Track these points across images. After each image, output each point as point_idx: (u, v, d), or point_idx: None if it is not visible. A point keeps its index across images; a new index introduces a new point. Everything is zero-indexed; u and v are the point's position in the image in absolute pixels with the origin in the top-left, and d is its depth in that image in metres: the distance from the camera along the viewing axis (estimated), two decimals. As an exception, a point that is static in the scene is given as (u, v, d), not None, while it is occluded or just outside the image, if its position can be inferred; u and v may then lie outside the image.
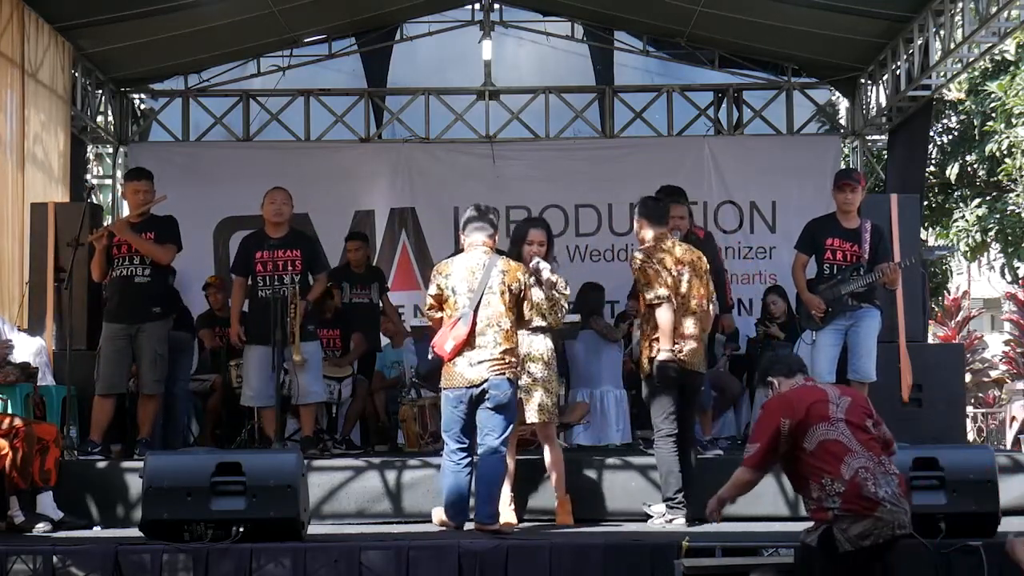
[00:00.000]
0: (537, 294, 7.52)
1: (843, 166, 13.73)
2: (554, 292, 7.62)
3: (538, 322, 7.57)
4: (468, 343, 7.11)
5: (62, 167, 11.30)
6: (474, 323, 7.11)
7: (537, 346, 7.57)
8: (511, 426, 7.22)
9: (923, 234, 12.48)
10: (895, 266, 8.41)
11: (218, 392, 10.13)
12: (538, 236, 7.69)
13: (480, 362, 7.10)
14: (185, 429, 9.87)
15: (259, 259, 8.71)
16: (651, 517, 7.51)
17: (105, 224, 9.83)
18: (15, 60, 10.18)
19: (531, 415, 7.50)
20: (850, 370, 8.44)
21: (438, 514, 7.33)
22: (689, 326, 7.54)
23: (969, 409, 16.19)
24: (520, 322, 7.34)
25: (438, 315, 7.30)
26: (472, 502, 7.21)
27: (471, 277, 7.18)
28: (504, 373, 7.11)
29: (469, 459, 7.20)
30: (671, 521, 7.39)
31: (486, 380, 7.08)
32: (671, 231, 7.98)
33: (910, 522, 5.55)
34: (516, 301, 7.23)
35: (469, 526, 7.17)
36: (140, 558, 6.37)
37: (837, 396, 5.75)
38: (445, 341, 7.14)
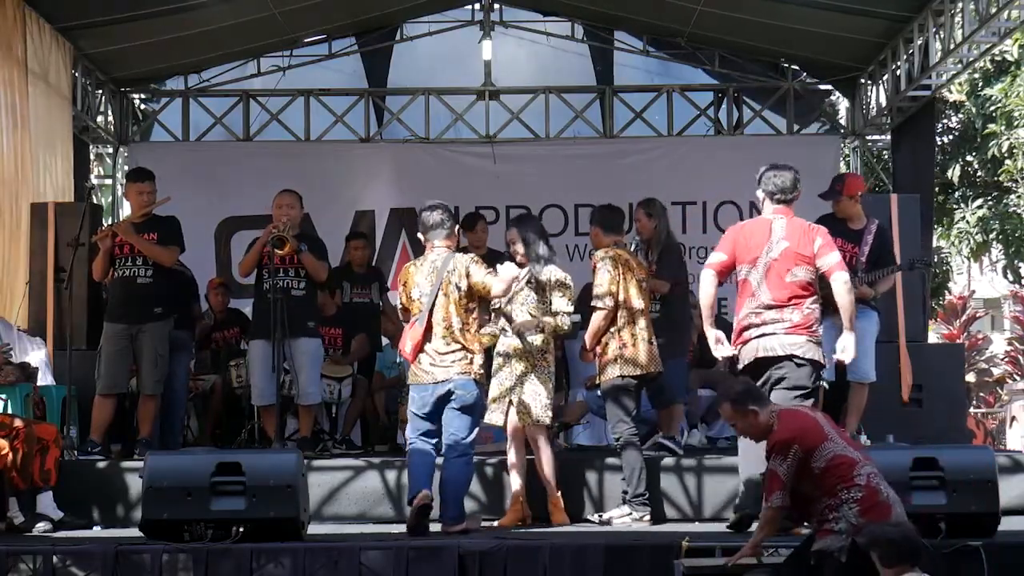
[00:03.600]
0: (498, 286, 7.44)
1: (843, 166, 13.74)
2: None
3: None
4: (426, 341, 7.25)
5: (64, 167, 11.30)
6: (429, 323, 7.25)
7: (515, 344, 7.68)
8: (476, 427, 7.38)
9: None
10: (861, 284, 8.30)
11: (218, 392, 10.13)
12: (508, 236, 7.94)
13: (444, 360, 7.24)
14: (184, 428, 9.87)
15: (266, 255, 8.72)
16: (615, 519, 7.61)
17: (106, 224, 9.84)
18: (17, 60, 10.17)
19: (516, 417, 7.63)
20: (848, 371, 8.42)
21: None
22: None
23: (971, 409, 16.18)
24: (491, 296, 7.42)
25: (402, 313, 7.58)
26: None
27: (427, 279, 7.35)
28: (470, 374, 7.26)
29: (436, 440, 7.35)
30: (641, 518, 7.52)
31: (450, 379, 7.22)
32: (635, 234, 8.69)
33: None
34: (467, 296, 7.31)
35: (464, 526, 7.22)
36: (140, 558, 6.37)
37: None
38: (405, 343, 7.35)
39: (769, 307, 6.74)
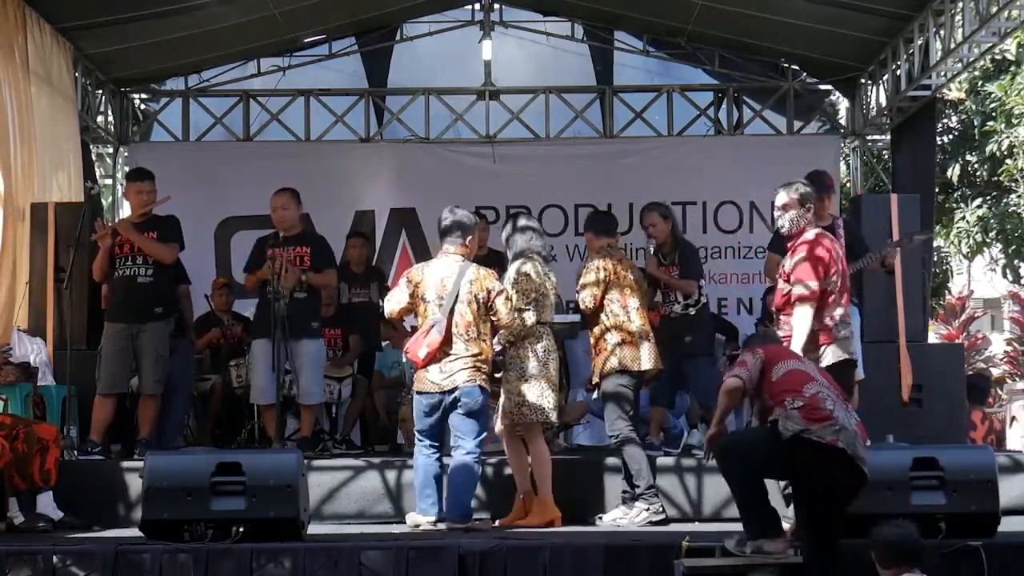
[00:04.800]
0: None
1: (843, 166, 13.72)
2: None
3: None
4: (442, 350, 7.25)
5: (74, 168, 11.28)
6: (448, 331, 7.24)
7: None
8: (484, 432, 7.40)
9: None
10: (889, 252, 8.38)
11: (218, 392, 10.13)
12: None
13: (452, 368, 7.25)
14: (183, 428, 9.86)
15: (269, 256, 8.74)
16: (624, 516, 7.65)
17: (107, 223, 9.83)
18: (19, 62, 10.17)
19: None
20: None
21: (412, 518, 7.44)
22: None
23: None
24: (497, 326, 7.47)
25: (399, 310, 7.51)
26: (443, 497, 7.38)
27: (441, 285, 7.34)
28: (475, 381, 7.28)
29: (439, 455, 7.39)
30: (658, 511, 7.57)
31: (457, 387, 7.25)
32: (649, 238, 8.86)
33: None
34: (485, 309, 7.38)
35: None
36: (140, 558, 6.37)
37: None
38: (419, 348, 7.30)
39: (845, 313, 7.07)
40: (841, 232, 8.40)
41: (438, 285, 7.36)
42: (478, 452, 7.38)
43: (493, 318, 7.41)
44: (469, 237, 7.61)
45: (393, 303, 7.52)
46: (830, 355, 6.86)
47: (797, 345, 6.74)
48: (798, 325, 6.82)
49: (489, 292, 7.40)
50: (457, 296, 7.32)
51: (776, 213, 7.14)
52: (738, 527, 6.58)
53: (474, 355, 7.30)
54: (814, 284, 6.84)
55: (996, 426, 11.32)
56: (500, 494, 7.92)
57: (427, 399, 7.34)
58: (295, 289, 8.74)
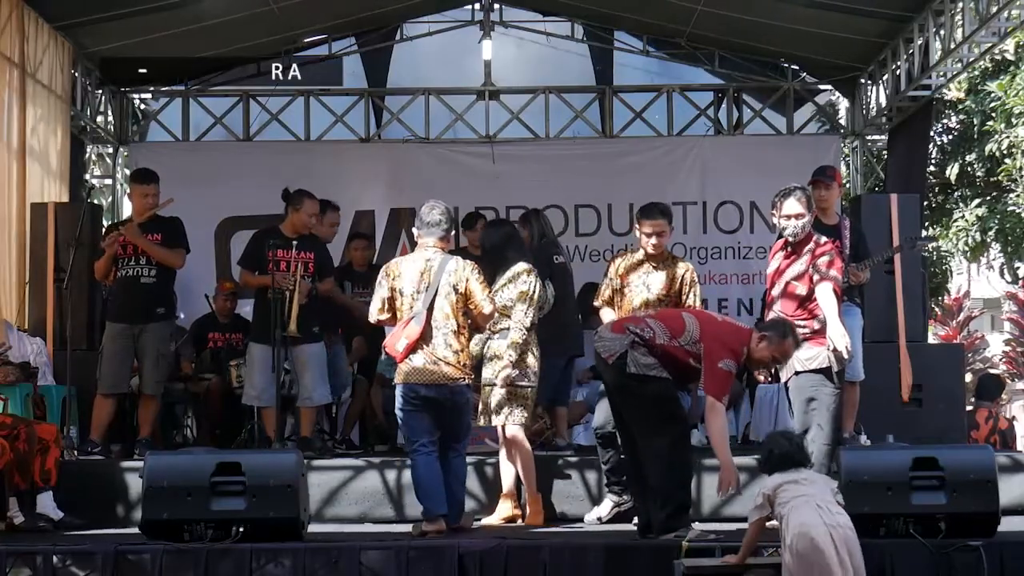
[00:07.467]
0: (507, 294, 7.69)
1: (843, 166, 13.74)
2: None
3: (503, 323, 7.70)
4: (422, 341, 7.16)
5: (62, 167, 11.29)
6: (427, 322, 7.16)
7: (496, 347, 7.71)
8: (470, 429, 7.41)
9: (924, 233, 12.40)
10: (854, 269, 8.38)
11: (217, 392, 10.12)
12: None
13: (436, 362, 7.17)
14: (183, 428, 9.87)
15: (272, 258, 8.67)
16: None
17: (106, 224, 9.83)
18: (15, 60, 10.17)
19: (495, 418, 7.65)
20: None
21: (419, 528, 7.30)
22: None
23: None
24: (475, 314, 7.36)
25: (386, 317, 7.36)
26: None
27: (419, 278, 7.24)
28: (462, 378, 7.24)
29: (436, 453, 7.29)
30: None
31: (442, 383, 7.17)
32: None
33: None
34: (464, 301, 7.28)
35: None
36: (140, 558, 6.37)
37: None
38: (397, 341, 7.20)
39: None
40: (847, 233, 8.40)
41: (416, 279, 7.26)
42: (465, 451, 7.40)
43: (471, 307, 7.29)
44: (452, 231, 7.63)
45: (376, 303, 7.38)
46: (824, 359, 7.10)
47: (835, 321, 7.06)
48: (831, 306, 7.12)
49: (467, 281, 7.27)
50: (437, 288, 7.22)
51: (786, 221, 7.29)
52: (738, 527, 6.60)
53: (455, 349, 7.22)
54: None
55: (1002, 424, 11.27)
56: (490, 493, 7.93)
57: (408, 390, 7.22)
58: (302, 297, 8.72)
